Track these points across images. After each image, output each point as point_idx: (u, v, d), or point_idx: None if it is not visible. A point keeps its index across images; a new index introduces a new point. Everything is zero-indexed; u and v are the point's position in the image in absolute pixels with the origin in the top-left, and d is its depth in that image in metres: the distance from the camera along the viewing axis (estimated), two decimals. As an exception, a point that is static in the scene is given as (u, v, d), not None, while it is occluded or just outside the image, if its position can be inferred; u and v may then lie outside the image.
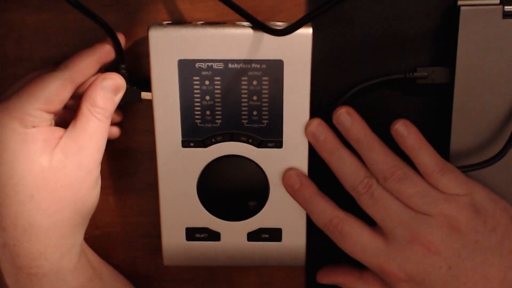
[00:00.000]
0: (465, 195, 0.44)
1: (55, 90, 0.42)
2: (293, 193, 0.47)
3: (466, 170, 0.46)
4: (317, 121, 0.46)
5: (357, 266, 0.48)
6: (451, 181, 0.44)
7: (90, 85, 0.44)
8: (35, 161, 0.42)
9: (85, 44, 0.47)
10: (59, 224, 0.43)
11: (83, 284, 0.46)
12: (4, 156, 0.42)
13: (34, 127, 0.42)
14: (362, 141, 0.45)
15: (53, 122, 0.44)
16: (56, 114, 0.44)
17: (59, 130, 0.44)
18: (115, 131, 0.48)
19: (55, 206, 0.43)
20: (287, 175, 0.47)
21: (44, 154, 0.42)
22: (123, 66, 0.45)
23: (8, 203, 0.42)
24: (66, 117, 0.46)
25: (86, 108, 0.43)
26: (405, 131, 0.44)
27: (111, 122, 0.46)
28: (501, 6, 0.44)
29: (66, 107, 0.45)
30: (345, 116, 0.45)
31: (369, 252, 0.45)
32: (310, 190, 0.46)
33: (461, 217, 0.43)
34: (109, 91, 0.44)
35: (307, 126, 0.46)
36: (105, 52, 0.44)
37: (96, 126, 0.44)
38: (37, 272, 0.43)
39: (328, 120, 0.46)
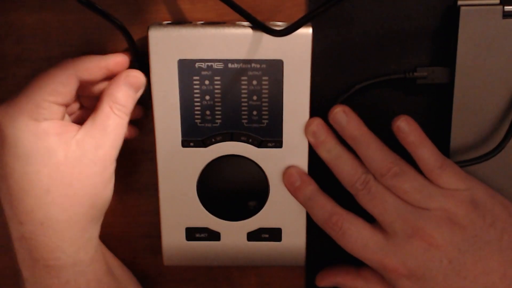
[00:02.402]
0: (464, 190, 0.44)
1: (60, 81, 0.42)
2: (294, 190, 0.47)
3: (464, 164, 0.46)
4: (317, 121, 0.46)
5: (354, 264, 0.48)
6: (450, 176, 0.44)
7: (112, 82, 0.44)
8: (50, 155, 0.42)
9: (85, 44, 0.47)
10: (75, 218, 0.43)
11: (99, 277, 0.46)
12: (17, 151, 0.42)
13: (45, 119, 0.42)
14: (358, 139, 0.45)
15: (66, 117, 0.44)
16: (66, 106, 0.44)
17: (72, 126, 0.44)
18: (133, 131, 0.48)
19: (71, 201, 0.43)
20: (288, 173, 0.47)
21: (59, 148, 0.42)
22: (137, 64, 0.45)
23: (24, 197, 0.42)
24: (83, 116, 0.46)
25: (107, 105, 0.43)
26: (406, 127, 0.45)
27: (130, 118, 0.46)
28: (501, 6, 0.44)
29: (83, 107, 0.46)
30: (341, 115, 0.45)
31: (370, 248, 0.45)
32: (311, 188, 0.46)
33: (460, 212, 0.43)
34: (131, 88, 0.44)
35: (307, 125, 0.46)
36: (115, 61, 0.44)
37: (116, 123, 0.44)
38: (55, 264, 0.43)
39: (327, 119, 0.46)
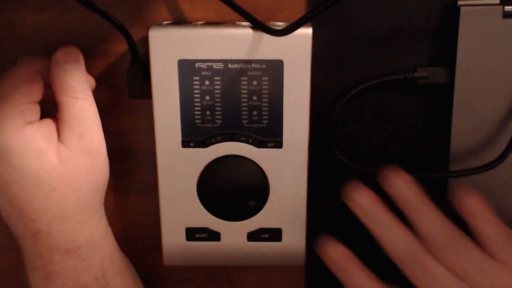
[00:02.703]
0: None
1: (29, 78, 0.42)
2: (331, 265, 0.45)
3: (467, 174, 0.46)
4: (360, 190, 0.43)
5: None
6: (509, 250, 0.41)
7: (52, 69, 0.43)
8: (43, 158, 0.42)
9: (85, 44, 0.47)
10: (86, 205, 0.45)
11: (111, 252, 0.48)
12: (12, 160, 0.42)
13: (29, 123, 0.42)
14: (412, 205, 0.42)
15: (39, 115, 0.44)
16: (38, 102, 0.44)
17: (51, 123, 0.44)
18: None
19: (79, 193, 0.44)
20: (326, 249, 0.44)
21: (49, 150, 0.43)
22: (136, 64, 0.45)
23: (32, 199, 0.43)
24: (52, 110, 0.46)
25: (63, 95, 0.43)
26: (470, 201, 0.42)
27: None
28: (501, 6, 0.44)
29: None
30: (395, 179, 0.43)
31: None
32: (351, 264, 0.44)
33: None
34: (72, 65, 0.43)
35: (348, 193, 0.44)
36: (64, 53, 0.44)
37: (83, 106, 0.43)
38: (73, 246, 0.45)
39: (327, 119, 0.46)
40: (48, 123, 0.44)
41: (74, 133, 0.43)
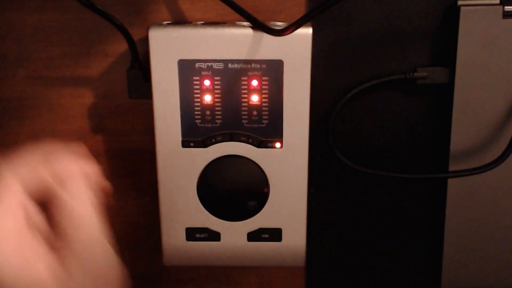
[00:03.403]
0: None
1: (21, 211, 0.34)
2: None
3: (467, 174, 0.46)
4: None
5: (353, 267, 0.48)
6: None
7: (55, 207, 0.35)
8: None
9: (85, 44, 0.47)
10: None
11: None
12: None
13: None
14: None
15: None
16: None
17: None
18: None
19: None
20: None
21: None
22: (136, 64, 0.46)
23: None
24: None
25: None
26: None
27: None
28: (501, 6, 0.44)
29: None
30: None
31: None
32: None
33: None
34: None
35: None
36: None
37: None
38: None
39: (327, 119, 0.46)
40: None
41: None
